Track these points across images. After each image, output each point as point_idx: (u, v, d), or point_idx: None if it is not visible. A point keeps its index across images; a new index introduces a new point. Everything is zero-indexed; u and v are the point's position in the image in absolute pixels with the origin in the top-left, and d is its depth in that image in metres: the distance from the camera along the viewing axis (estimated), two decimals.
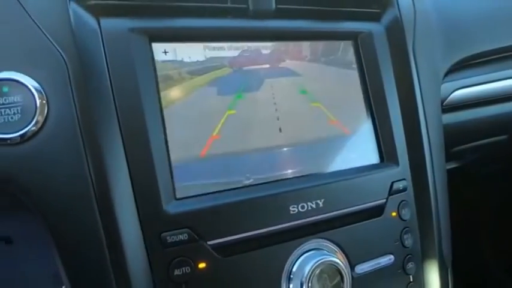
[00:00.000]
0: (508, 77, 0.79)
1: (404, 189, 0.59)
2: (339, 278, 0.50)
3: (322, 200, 0.52)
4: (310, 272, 0.49)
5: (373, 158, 0.60)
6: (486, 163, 1.18)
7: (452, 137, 0.75)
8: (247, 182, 0.51)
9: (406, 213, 0.58)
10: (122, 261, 0.43)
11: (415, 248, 0.59)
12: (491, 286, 1.40)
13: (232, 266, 0.47)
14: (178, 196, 0.47)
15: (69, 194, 0.43)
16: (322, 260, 0.49)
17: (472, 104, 0.79)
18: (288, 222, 0.50)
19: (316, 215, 0.52)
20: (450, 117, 0.76)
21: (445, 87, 0.72)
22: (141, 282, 0.43)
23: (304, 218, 0.51)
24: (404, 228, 0.58)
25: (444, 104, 0.73)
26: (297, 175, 0.54)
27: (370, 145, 0.60)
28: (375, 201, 0.56)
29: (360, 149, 0.59)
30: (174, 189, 0.47)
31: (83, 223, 0.43)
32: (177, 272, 0.44)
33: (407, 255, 0.58)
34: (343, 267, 0.51)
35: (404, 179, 0.59)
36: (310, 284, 0.49)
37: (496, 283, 1.41)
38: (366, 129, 0.59)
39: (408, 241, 0.58)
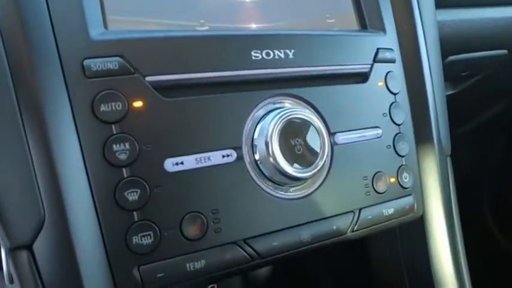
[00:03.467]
0: None
1: (392, 61, 0.50)
2: (317, 144, 0.41)
3: (292, 51, 0.43)
4: (277, 128, 0.39)
5: (355, 25, 0.51)
6: (486, 105, 1.10)
7: (448, 39, 0.67)
8: (200, 29, 0.42)
9: (395, 86, 0.50)
10: (34, 98, 0.34)
11: (406, 126, 0.50)
12: (491, 249, 1.31)
13: (176, 110, 0.37)
14: (110, 28, 0.38)
15: None
16: (292, 115, 0.40)
17: (468, 3, 0.71)
18: (249, 69, 0.41)
19: (285, 67, 0.43)
20: (445, 14, 0.68)
21: None
22: (61, 122, 0.34)
23: (270, 68, 0.42)
24: (393, 103, 0.49)
25: None
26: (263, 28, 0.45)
27: (352, 10, 0.51)
28: (357, 65, 0.47)
29: (339, 12, 0.50)
30: (104, 19, 0.38)
31: None
32: (103, 107, 0.35)
33: (397, 133, 0.49)
34: (322, 130, 0.42)
35: (391, 49, 0.51)
36: (277, 145, 0.39)
37: (496, 245, 1.33)
38: None
39: (398, 117, 0.49)
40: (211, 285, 0.73)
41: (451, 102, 0.60)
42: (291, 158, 0.39)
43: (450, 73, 0.79)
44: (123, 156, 0.35)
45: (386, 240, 0.56)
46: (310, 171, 0.40)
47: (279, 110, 0.40)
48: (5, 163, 0.33)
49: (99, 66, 0.35)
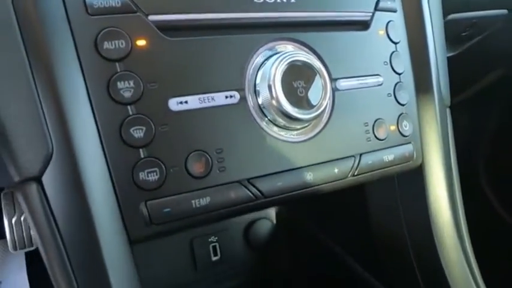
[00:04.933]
0: None
1: (393, 10, 0.50)
2: (319, 86, 0.41)
3: None
4: (280, 71, 0.39)
5: None
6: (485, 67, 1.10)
7: None
8: None
9: (396, 35, 0.50)
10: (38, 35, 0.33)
11: (406, 75, 0.50)
12: (486, 213, 1.34)
13: (179, 50, 0.37)
14: None
15: None
16: (294, 57, 0.40)
17: None
18: (252, 12, 0.41)
19: (287, 11, 0.43)
20: None
21: None
22: (65, 59, 0.34)
23: (272, 11, 0.42)
24: (394, 52, 0.49)
25: None
26: None
27: None
28: (359, 12, 0.47)
29: None
30: None
31: None
32: (107, 45, 0.35)
33: (398, 81, 0.49)
34: (324, 73, 0.42)
35: None
36: (280, 87, 0.39)
37: (490, 209, 1.35)
38: None
39: (399, 66, 0.49)
40: (211, 239, 0.74)
41: (450, 67, 0.61)
42: (294, 100, 0.40)
43: (450, 33, 0.79)
44: (127, 94, 0.35)
45: (385, 190, 0.57)
46: (312, 113, 0.40)
47: (280, 53, 0.41)
48: (13, 98, 0.33)
49: (101, 3, 0.35)
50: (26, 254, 0.86)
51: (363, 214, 0.63)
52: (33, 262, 0.85)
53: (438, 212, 0.52)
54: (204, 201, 0.37)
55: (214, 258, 0.76)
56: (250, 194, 0.39)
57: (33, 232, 0.83)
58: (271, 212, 0.80)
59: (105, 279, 0.33)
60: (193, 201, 0.37)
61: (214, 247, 0.75)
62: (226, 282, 0.79)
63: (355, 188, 0.60)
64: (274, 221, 0.80)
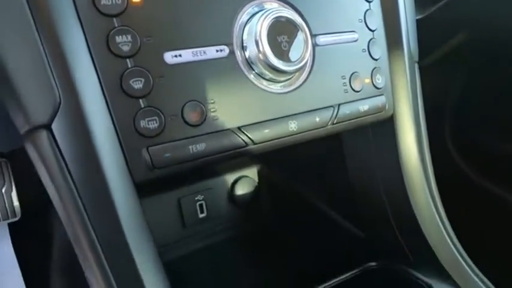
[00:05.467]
0: None
1: None
2: (301, 41, 0.45)
3: None
4: (265, 27, 0.43)
5: None
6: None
7: None
8: None
9: None
10: None
11: (379, 32, 0.54)
12: (451, 172, 1.44)
13: (172, 6, 0.40)
14: None
15: None
16: (278, 14, 0.43)
17: None
18: None
19: None
20: None
21: None
22: (65, 15, 0.36)
23: None
24: (368, 10, 0.53)
25: None
26: None
27: None
28: None
29: None
30: None
31: None
32: (104, 1, 0.37)
33: (371, 38, 0.53)
34: (305, 28, 0.45)
35: None
36: (266, 42, 0.43)
37: (459, 172, 1.45)
38: None
39: (372, 23, 0.53)
40: (197, 198, 0.78)
41: (418, 29, 0.65)
42: (278, 53, 0.43)
43: None
44: (125, 48, 0.37)
45: (361, 141, 0.62)
46: (295, 66, 0.44)
47: (265, 10, 0.44)
48: (21, 54, 0.35)
49: None
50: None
51: (341, 166, 0.68)
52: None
53: (408, 158, 0.57)
54: (200, 147, 0.41)
55: (201, 216, 0.80)
56: (241, 140, 0.43)
57: (16, 203, 0.84)
58: (254, 170, 0.85)
59: (115, 218, 0.37)
60: (190, 147, 0.40)
61: (200, 205, 0.80)
62: (213, 237, 0.84)
63: (333, 142, 0.65)
64: (257, 179, 0.85)
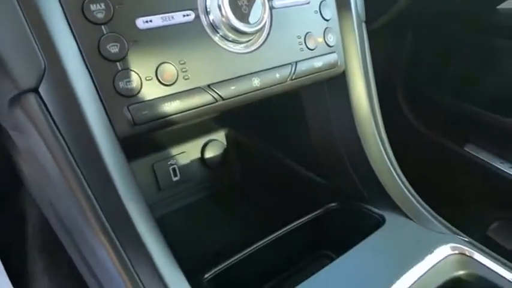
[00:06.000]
0: None
1: None
2: (259, 4, 0.49)
3: None
4: None
5: None
6: None
7: None
8: None
9: None
10: None
11: None
12: (402, 125, 1.55)
13: None
14: None
15: None
16: None
17: None
18: None
19: None
20: None
21: None
22: None
23: None
24: None
25: None
26: None
27: None
28: None
29: None
30: None
31: None
32: None
33: (322, 0, 0.58)
34: None
35: None
36: (228, 6, 0.47)
37: (409, 124, 1.57)
38: None
39: None
40: (170, 162, 0.83)
41: None
42: (240, 16, 0.48)
43: None
44: (100, 15, 0.41)
45: (318, 98, 0.68)
46: (255, 27, 0.49)
47: None
48: (5, 26, 0.38)
49: None
50: None
51: (301, 122, 0.74)
52: None
53: (359, 108, 0.64)
54: (175, 104, 0.45)
55: (175, 179, 0.85)
56: (211, 97, 0.48)
57: None
58: (222, 133, 0.90)
59: (104, 169, 0.41)
60: (166, 104, 0.45)
61: (174, 169, 0.84)
62: (187, 198, 0.89)
63: (293, 99, 0.71)
64: (225, 141, 0.91)
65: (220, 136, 0.90)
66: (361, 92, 0.65)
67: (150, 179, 0.83)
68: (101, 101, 0.41)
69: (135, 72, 0.43)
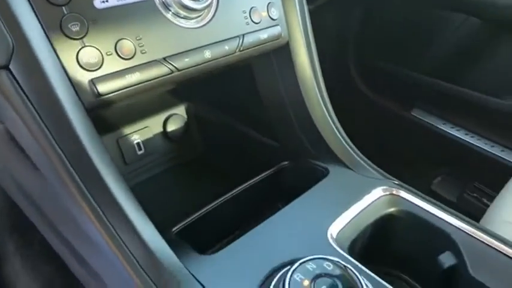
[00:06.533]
0: None
1: None
2: None
3: None
4: None
5: None
6: None
7: None
8: None
9: None
10: None
11: None
12: (353, 91, 1.67)
13: None
14: None
15: None
16: None
17: None
18: None
19: None
20: None
21: None
22: None
23: None
24: None
25: None
26: None
27: None
28: None
29: None
30: None
31: None
32: None
33: None
34: None
35: None
36: None
37: (361, 93, 1.68)
38: None
39: None
40: (134, 137, 0.88)
41: None
42: None
43: None
44: None
45: (267, 68, 0.75)
46: (204, 3, 0.55)
47: None
48: None
49: None
50: None
51: (254, 92, 0.81)
52: None
53: (303, 74, 0.72)
54: (135, 76, 0.51)
55: (139, 153, 0.90)
56: (167, 68, 0.54)
57: None
58: (182, 108, 0.96)
59: (76, 136, 0.47)
60: (126, 76, 0.50)
61: (138, 143, 0.90)
62: (152, 170, 0.95)
63: (244, 71, 0.78)
64: (186, 115, 0.96)
65: (180, 110, 0.96)
66: (304, 60, 0.72)
67: (116, 154, 0.87)
68: (67, 75, 0.46)
69: (96, 48, 0.48)
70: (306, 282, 0.43)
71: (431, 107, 1.62)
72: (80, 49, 0.47)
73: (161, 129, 0.93)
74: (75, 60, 0.47)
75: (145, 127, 0.90)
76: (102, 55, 0.48)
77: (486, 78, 1.50)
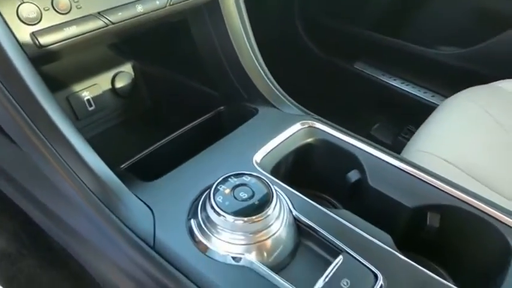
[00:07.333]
0: None
1: None
2: None
3: None
4: None
5: None
6: None
7: None
8: None
9: None
10: None
11: None
12: (299, 46, 1.76)
13: None
14: None
15: None
16: None
17: None
18: None
19: None
20: None
21: None
22: None
23: None
24: None
25: None
26: None
27: None
28: None
29: None
30: None
31: None
32: None
33: None
34: None
35: None
36: None
37: (308, 49, 1.78)
38: None
39: None
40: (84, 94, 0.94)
41: None
42: None
43: None
44: None
45: (203, 27, 0.82)
46: None
47: None
48: None
49: None
50: None
51: (193, 49, 0.89)
52: None
53: (232, 25, 0.80)
54: (73, 29, 0.58)
55: (90, 109, 0.97)
56: (102, 22, 0.60)
57: None
58: (129, 65, 1.02)
59: (24, 84, 0.53)
60: (64, 29, 0.57)
61: (88, 100, 0.96)
62: (103, 125, 1.01)
63: (183, 28, 0.85)
64: (132, 72, 1.03)
65: (127, 68, 1.02)
66: (233, 11, 0.80)
67: (67, 110, 0.93)
68: (10, 29, 0.53)
69: (34, 4, 0.54)
70: (227, 191, 0.53)
71: (372, 59, 1.75)
72: (19, 5, 0.53)
73: (110, 86, 1.00)
74: (15, 14, 0.53)
75: (94, 84, 0.96)
76: (40, 10, 0.55)
77: (421, 30, 1.64)
